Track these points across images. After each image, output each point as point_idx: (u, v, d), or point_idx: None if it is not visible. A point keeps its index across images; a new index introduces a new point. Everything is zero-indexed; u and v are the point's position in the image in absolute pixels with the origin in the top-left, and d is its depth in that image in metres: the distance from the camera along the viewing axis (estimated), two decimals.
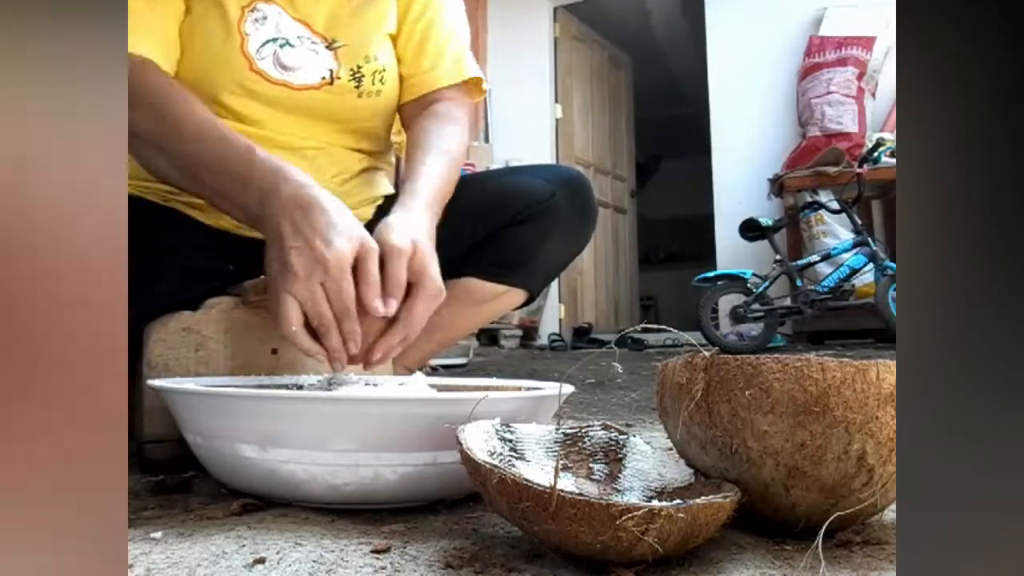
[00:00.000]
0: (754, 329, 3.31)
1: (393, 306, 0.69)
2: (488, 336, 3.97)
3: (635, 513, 0.41)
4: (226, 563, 0.46)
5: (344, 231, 0.69)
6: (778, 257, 3.31)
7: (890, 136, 3.40)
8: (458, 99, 1.01)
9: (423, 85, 0.99)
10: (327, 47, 0.92)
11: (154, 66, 0.81)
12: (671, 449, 0.59)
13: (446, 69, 1.00)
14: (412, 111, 1.00)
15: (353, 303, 0.68)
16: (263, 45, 0.88)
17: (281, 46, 0.89)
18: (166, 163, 0.80)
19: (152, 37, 0.83)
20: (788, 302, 3.19)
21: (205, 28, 0.87)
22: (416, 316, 0.72)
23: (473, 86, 1.03)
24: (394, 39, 0.99)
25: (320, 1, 0.93)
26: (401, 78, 0.99)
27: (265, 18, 0.88)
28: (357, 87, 0.93)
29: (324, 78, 0.91)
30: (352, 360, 0.71)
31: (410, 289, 0.72)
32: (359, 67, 0.93)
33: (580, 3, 4.82)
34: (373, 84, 0.94)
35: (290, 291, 0.67)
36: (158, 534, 0.52)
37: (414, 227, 0.75)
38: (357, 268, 0.68)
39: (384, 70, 0.95)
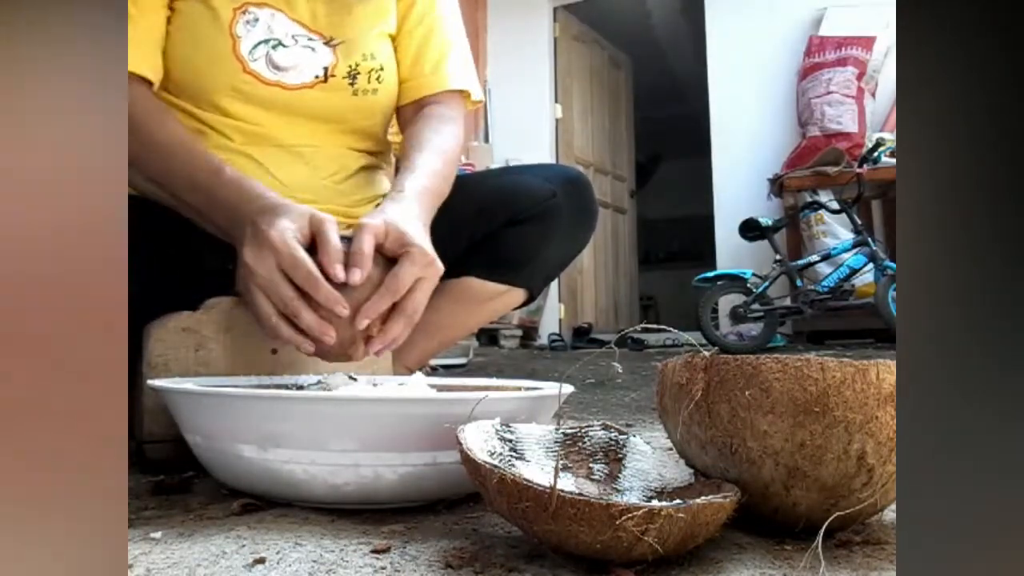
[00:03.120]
0: (754, 329, 3.31)
1: (356, 274, 0.67)
2: (488, 336, 3.97)
3: (635, 513, 0.41)
4: (226, 563, 0.46)
5: (290, 211, 0.69)
6: (778, 257, 3.31)
7: (890, 136, 3.40)
8: (455, 103, 1.02)
9: (421, 89, 1.00)
10: (325, 43, 0.92)
11: (133, 77, 0.82)
12: (671, 449, 0.59)
13: (445, 75, 1.00)
14: (409, 113, 1.01)
15: (313, 270, 0.66)
16: (255, 47, 0.88)
17: (274, 47, 0.89)
18: (141, 178, 0.81)
19: (134, 46, 0.83)
20: (788, 302, 3.19)
21: (196, 30, 0.87)
22: (402, 282, 0.70)
23: (467, 96, 1.04)
24: (394, 40, 1.00)
25: (318, 0, 0.93)
26: (400, 81, 1.00)
27: (257, 20, 0.88)
28: (352, 84, 0.93)
29: (318, 76, 0.91)
30: (352, 348, 0.70)
31: (395, 262, 0.70)
32: (356, 65, 0.93)
33: (580, 3, 4.82)
34: (369, 83, 0.94)
35: (253, 285, 0.68)
36: (158, 534, 0.52)
37: (391, 210, 0.74)
38: (315, 240, 0.68)
39: (381, 69, 0.95)
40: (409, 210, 0.77)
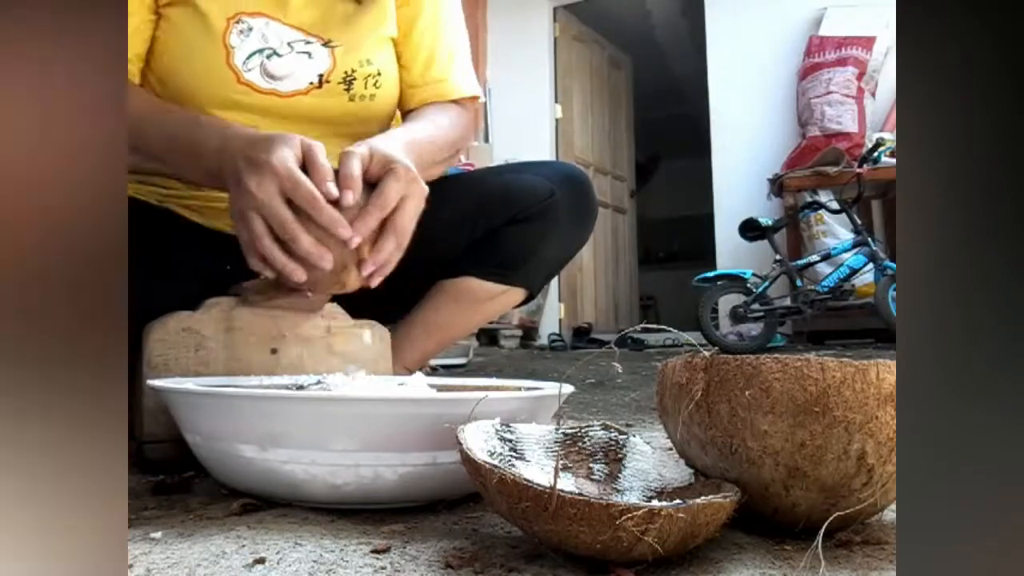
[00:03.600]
0: (754, 329, 3.31)
1: (349, 196, 0.68)
2: (488, 336, 3.97)
3: (635, 513, 0.41)
4: (226, 563, 0.46)
5: (284, 139, 0.70)
6: (778, 257, 3.31)
7: (890, 136, 3.40)
8: (461, 104, 1.02)
9: (425, 96, 1.00)
10: (323, 44, 0.92)
11: None
12: (671, 449, 0.59)
13: (454, 83, 1.01)
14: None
15: (315, 191, 0.67)
16: (249, 57, 0.87)
17: (268, 56, 0.88)
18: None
19: None
20: (788, 302, 3.19)
21: (189, 40, 0.86)
22: (388, 197, 0.70)
23: (475, 99, 1.05)
24: (396, 44, 0.99)
25: (313, 7, 0.92)
26: (408, 86, 1.00)
27: (250, 29, 0.88)
28: (348, 90, 0.93)
29: (312, 82, 0.91)
30: (345, 273, 0.70)
31: (379, 181, 0.71)
32: (352, 70, 0.93)
33: (580, 3, 4.82)
34: (366, 88, 0.94)
35: (250, 210, 0.68)
36: (158, 534, 0.52)
37: (375, 141, 0.75)
38: (307, 165, 0.69)
39: (379, 74, 0.95)
40: (394, 143, 0.78)
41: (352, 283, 0.73)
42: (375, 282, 0.74)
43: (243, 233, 0.70)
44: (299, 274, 0.69)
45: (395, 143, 0.79)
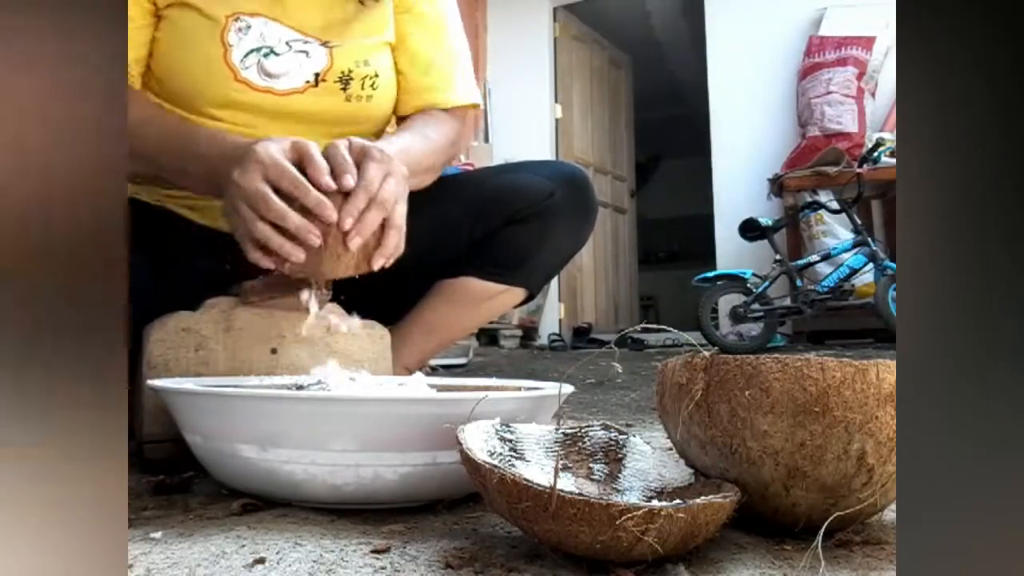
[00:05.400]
0: (754, 329, 3.31)
1: (348, 179, 0.69)
2: (488, 336, 3.97)
3: (635, 513, 0.41)
4: (226, 563, 0.46)
5: (274, 139, 0.71)
6: (778, 257, 3.31)
7: (890, 136, 3.40)
8: (457, 111, 1.02)
9: (419, 102, 1.00)
10: (321, 44, 0.92)
11: None
12: (671, 449, 0.59)
13: (454, 91, 1.01)
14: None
15: (298, 176, 0.68)
16: (247, 55, 0.88)
17: (265, 55, 0.89)
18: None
19: None
20: (788, 302, 3.19)
21: (187, 38, 0.87)
22: (371, 177, 0.71)
23: (464, 110, 1.04)
24: (393, 49, 0.99)
25: (313, 8, 0.92)
26: (407, 91, 1.00)
27: (249, 27, 0.88)
28: (344, 90, 0.93)
29: (308, 81, 0.91)
30: (346, 255, 0.70)
31: (359, 167, 0.72)
32: (349, 70, 0.93)
33: (580, 3, 4.82)
34: (363, 89, 0.94)
35: (240, 201, 0.69)
36: (158, 534, 0.52)
37: (350, 136, 0.75)
38: (302, 160, 0.70)
39: (376, 76, 0.95)
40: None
41: (348, 266, 0.72)
42: (377, 265, 0.73)
43: (236, 225, 0.70)
44: (298, 253, 0.69)
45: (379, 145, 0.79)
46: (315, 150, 0.71)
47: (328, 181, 0.68)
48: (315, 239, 0.68)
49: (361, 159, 0.72)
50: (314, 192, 0.68)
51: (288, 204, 0.68)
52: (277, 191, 0.68)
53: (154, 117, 0.83)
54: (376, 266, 0.73)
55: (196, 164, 0.78)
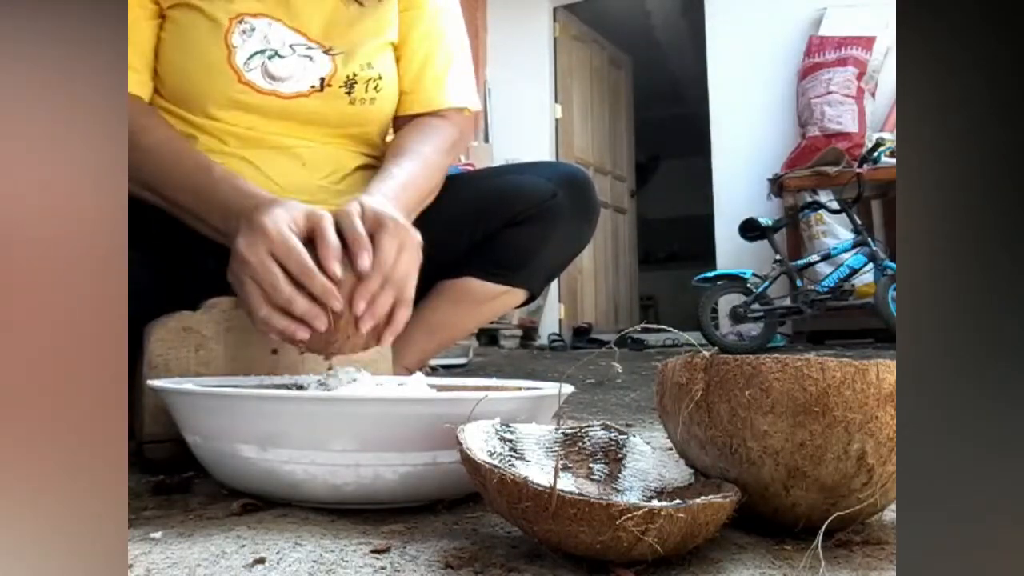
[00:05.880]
0: (754, 329, 3.31)
1: (365, 259, 0.67)
2: (488, 336, 3.97)
3: (635, 513, 0.41)
4: (226, 563, 0.46)
5: (287, 204, 0.69)
6: (778, 257, 3.31)
7: (890, 136, 3.40)
8: (452, 115, 1.02)
9: (421, 104, 1.00)
10: (324, 52, 0.92)
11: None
12: (671, 449, 0.59)
13: (445, 92, 1.01)
14: (403, 123, 1.01)
15: (306, 259, 0.65)
16: (251, 57, 0.87)
17: (269, 57, 0.88)
18: (132, 183, 0.79)
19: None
20: (788, 302, 3.19)
21: (191, 40, 0.86)
22: (386, 254, 0.69)
23: (460, 112, 1.04)
24: (396, 49, 0.99)
25: (316, 10, 0.92)
26: (400, 92, 1.00)
27: (253, 30, 0.88)
28: (349, 94, 0.93)
29: (314, 86, 0.91)
30: (356, 336, 0.69)
31: (373, 239, 0.70)
32: (354, 74, 0.93)
33: (580, 3, 4.82)
34: (367, 92, 0.94)
35: (245, 275, 0.67)
36: (158, 534, 0.52)
37: (364, 198, 0.73)
38: (313, 236, 0.67)
39: (380, 78, 0.95)
40: (383, 199, 0.76)
41: (357, 345, 0.71)
42: (386, 342, 0.72)
43: (241, 302, 0.69)
44: (302, 333, 0.67)
45: (383, 198, 0.77)
46: (328, 225, 0.67)
47: (336, 270, 0.66)
48: (322, 324, 0.67)
49: (375, 230, 0.70)
50: (320, 279, 0.65)
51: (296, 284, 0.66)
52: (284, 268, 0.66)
53: (172, 149, 0.81)
54: (385, 344, 0.72)
55: (209, 209, 0.76)
